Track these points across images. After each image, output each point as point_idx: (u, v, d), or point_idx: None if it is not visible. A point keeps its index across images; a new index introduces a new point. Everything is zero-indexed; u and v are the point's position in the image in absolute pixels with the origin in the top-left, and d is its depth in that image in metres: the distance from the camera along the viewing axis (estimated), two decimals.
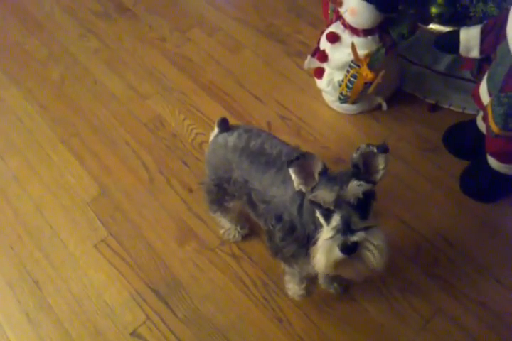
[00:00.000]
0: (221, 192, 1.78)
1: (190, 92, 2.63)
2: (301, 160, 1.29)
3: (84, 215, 2.25)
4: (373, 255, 1.19)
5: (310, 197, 1.29)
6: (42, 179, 2.41)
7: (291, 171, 1.31)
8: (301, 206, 1.45)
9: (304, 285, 1.78)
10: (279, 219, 1.54)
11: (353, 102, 2.33)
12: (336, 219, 1.21)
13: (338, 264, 1.22)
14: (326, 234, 1.23)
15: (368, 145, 1.24)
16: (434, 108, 2.36)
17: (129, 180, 2.33)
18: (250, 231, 2.06)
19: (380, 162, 1.26)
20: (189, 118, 2.52)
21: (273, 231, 1.57)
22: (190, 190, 2.25)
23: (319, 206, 1.26)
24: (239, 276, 1.98)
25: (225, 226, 2.04)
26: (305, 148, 2.36)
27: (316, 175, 1.29)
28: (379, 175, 1.28)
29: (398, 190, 2.11)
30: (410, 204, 2.07)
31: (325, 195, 1.23)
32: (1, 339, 1.97)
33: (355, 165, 1.27)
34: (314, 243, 1.28)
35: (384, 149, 1.25)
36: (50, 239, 2.20)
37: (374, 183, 1.28)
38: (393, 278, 1.88)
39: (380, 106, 2.39)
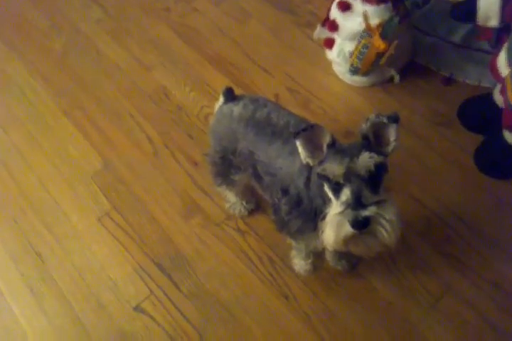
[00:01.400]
0: (226, 164, 1.70)
1: (195, 64, 2.52)
2: (308, 131, 1.21)
3: (88, 188, 2.17)
4: (386, 230, 1.12)
5: (318, 170, 1.21)
6: (45, 152, 2.32)
7: (298, 143, 1.24)
8: (308, 179, 1.37)
9: (310, 261, 1.72)
10: (285, 192, 1.46)
11: (364, 74, 2.22)
12: (345, 194, 1.15)
13: (348, 240, 1.15)
14: (336, 208, 1.16)
15: (378, 115, 1.16)
16: (449, 81, 2.23)
17: (133, 153, 2.24)
18: (256, 206, 1.98)
19: (391, 133, 1.19)
20: (194, 90, 2.41)
21: (279, 205, 1.50)
22: (196, 164, 2.15)
23: (328, 180, 1.19)
24: (244, 252, 1.91)
25: (231, 200, 1.96)
26: (313, 121, 2.25)
27: (325, 148, 1.22)
28: (390, 147, 1.21)
29: (410, 165, 2.01)
30: (422, 179, 1.98)
31: (334, 167, 1.16)
32: (4, 311, 1.92)
33: (365, 137, 1.20)
34: (323, 218, 1.21)
35: (395, 119, 1.17)
36: (53, 213, 2.13)
37: (385, 156, 1.20)
38: (403, 255, 1.79)
39: (391, 79, 2.27)
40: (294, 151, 1.33)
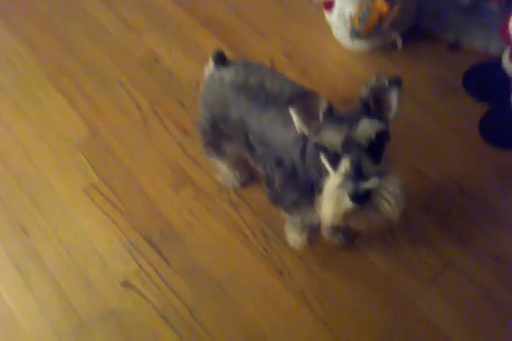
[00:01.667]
0: (216, 133, 1.60)
1: (187, 26, 2.37)
2: (303, 99, 1.12)
3: (74, 158, 2.06)
4: (389, 203, 1.03)
5: (315, 139, 1.13)
6: (30, 121, 2.20)
7: (292, 111, 1.14)
8: (303, 149, 1.29)
9: (305, 235, 1.65)
10: (279, 163, 1.37)
11: (365, 38, 2.08)
12: (345, 164, 1.06)
13: (348, 215, 1.06)
14: (334, 180, 1.07)
15: (378, 77, 1.06)
16: (454, 46, 2.09)
17: (121, 121, 2.12)
18: (250, 178, 1.87)
19: (393, 98, 1.09)
20: (186, 55, 2.26)
21: (272, 177, 1.42)
22: (186, 132, 2.04)
23: (325, 150, 1.10)
24: (237, 225, 1.82)
25: (223, 171, 1.86)
26: (311, 88, 2.15)
27: (321, 116, 1.13)
28: (392, 114, 1.12)
29: (411, 135, 1.89)
30: (424, 150, 1.87)
31: (332, 136, 1.07)
32: None
33: (365, 103, 1.10)
34: (320, 191, 1.12)
35: (397, 82, 1.07)
36: (38, 184, 2.03)
37: (387, 122, 1.11)
38: (402, 229, 1.70)
39: (394, 44, 2.12)
40: (289, 120, 1.22)
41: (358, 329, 1.57)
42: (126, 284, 1.76)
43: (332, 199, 1.05)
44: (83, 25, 2.47)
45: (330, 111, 1.12)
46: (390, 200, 1.03)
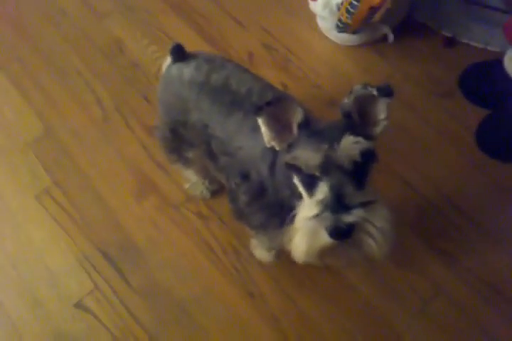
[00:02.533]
0: (177, 139, 1.37)
1: (157, 12, 2.08)
2: (274, 106, 0.91)
3: (25, 159, 1.80)
4: (375, 240, 0.85)
5: (287, 158, 0.91)
6: None
7: (260, 122, 0.93)
8: (274, 163, 1.09)
9: (273, 252, 1.47)
10: (244, 177, 1.16)
11: (354, 31, 1.85)
12: (323, 191, 0.86)
13: (325, 252, 0.87)
14: (309, 210, 0.87)
15: (365, 85, 0.88)
16: (451, 42, 1.87)
17: (80, 118, 1.86)
18: (221, 187, 1.64)
19: (381, 110, 0.91)
20: (154, 43, 1.99)
21: (236, 192, 1.21)
22: (152, 133, 1.76)
23: (299, 171, 0.90)
24: (206, 240, 1.59)
25: (191, 179, 1.64)
26: (292, 85, 1.91)
27: (295, 128, 0.92)
28: (379, 128, 0.93)
29: (401, 143, 1.68)
30: (415, 160, 1.65)
31: (308, 155, 0.87)
32: None
33: (347, 114, 0.91)
34: (291, 220, 0.91)
35: (387, 91, 0.88)
36: None
37: (373, 139, 0.91)
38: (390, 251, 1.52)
39: (385, 38, 1.89)
40: (258, 127, 1.00)
41: None
42: (80, 305, 1.54)
43: (306, 233, 0.86)
44: (39, 6, 2.16)
45: (306, 124, 0.92)
46: (376, 237, 0.84)
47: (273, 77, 1.85)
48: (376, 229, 0.84)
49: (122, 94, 1.89)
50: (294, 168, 0.91)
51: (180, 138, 1.37)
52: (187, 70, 1.24)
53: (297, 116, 0.93)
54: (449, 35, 1.87)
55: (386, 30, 1.87)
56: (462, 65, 1.79)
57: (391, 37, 1.87)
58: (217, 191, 1.65)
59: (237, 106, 1.17)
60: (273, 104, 0.91)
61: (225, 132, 1.19)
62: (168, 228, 1.63)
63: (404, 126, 1.72)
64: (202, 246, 1.59)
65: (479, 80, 1.72)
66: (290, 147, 0.93)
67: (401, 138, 1.68)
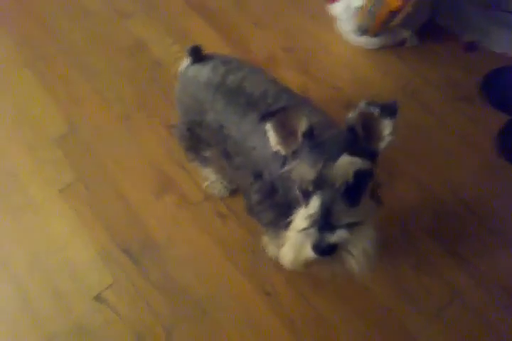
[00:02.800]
0: (194, 139, 1.38)
1: (179, 13, 2.08)
2: (280, 115, 0.92)
3: (51, 155, 1.81)
4: (356, 261, 0.87)
5: (283, 171, 0.95)
6: (3, 110, 1.93)
7: (267, 127, 0.95)
8: (284, 164, 1.07)
9: None
10: (257, 177, 1.17)
11: (374, 35, 1.82)
12: (314, 205, 0.89)
13: (310, 263, 0.90)
14: (301, 221, 0.90)
15: (369, 104, 0.88)
16: (472, 47, 1.84)
17: (103, 116, 1.86)
18: (239, 186, 1.62)
19: (386, 126, 0.89)
20: (177, 43, 1.98)
21: (249, 191, 1.22)
22: (178, 142, 1.73)
23: (294, 183, 0.93)
24: (223, 238, 1.58)
25: (210, 178, 1.63)
26: (312, 87, 1.89)
27: (300, 137, 0.95)
28: (383, 143, 0.92)
29: (420, 147, 1.65)
30: (433, 164, 1.62)
31: (303, 171, 0.89)
32: None
33: (351, 129, 0.91)
34: (287, 225, 0.95)
35: (391, 111, 0.88)
36: (10, 181, 1.77)
37: (374, 155, 0.93)
38: (405, 253, 1.48)
39: (405, 42, 1.87)
40: None
41: None
42: (99, 298, 1.54)
43: (293, 245, 0.90)
44: (64, 7, 2.18)
45: (310, 134, 0.93)
46: (357, 258, 0.87)
47: (292, 78, 1.83)
48: (358, 250, 0.87)
49: (145, 93, 1.88)
50: (290, 180, 0.94)
51: (197, 138, 1.37)
52: (204, 72, 1.24)
53: (302, 126, 0.93)
54: (469, 39, 1.84)
55: (407, 34, 1.83)
56: (482, 69, 1.76)
57: (412, 41, 1.84)
58: (235, 190, 1.64)
59: (252, 108, 1.17)
60: (279, 114, 0.93)
61: (239, 132, 1.19)
62: (187, 225, 1.62)
63: (423, 129, 1.69)
64: (220, 243, 1.58)
65: (500, 85, 1.68)
66: (294, 154, 0.95)
67: (419, 141, 1.66)
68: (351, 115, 0.90)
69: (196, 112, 1.27)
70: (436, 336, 1.36)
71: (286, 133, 0.95)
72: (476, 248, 1.47)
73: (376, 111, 0.86)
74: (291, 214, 0.99)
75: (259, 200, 1.18)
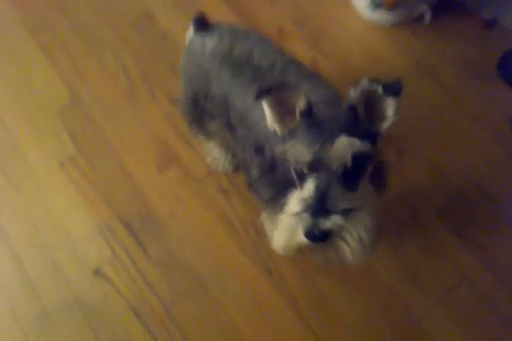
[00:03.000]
0: (198, 111, 1.30)
1: None
2: (277, 91, 0.86)
3: (52, 126, 1.73)
4: (351, 248, 0.80)
5: (278, 152, 0.86)
6: (5, 79, 1.85)
7: (264, 104, 0.87)
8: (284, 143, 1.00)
9: None
10: (258, 150, 1.09)
11: (389, 9, 1.72)
12: (309, 188, 0.81)
13: (302, 249, 0.85)
14: (295, 205, 0.83)
15: (372, 81, 0.81)
16: (491, 25, 1.72)
17: (106, 88, 1.78)
18: None
19: (389, 106, 0.84)
20: (184, 15, 1.88)
21: (249, 165, 1.15)
22: (182, 115, 1.59)
23: (290, 164, 0.86)
24: (226, 215, 1.52)
25: (214, 153, 1.55)
26: (322, 62, 1.79)
27: (298, 115, 0.88)
28: (385, 124, 0.85)
29: (433, 126, 1.56)
30: (447, 145, 1.54)
31: (299, 151, 0.82)
32: None
33: (352, 108, 0.82)
34: (282, 207, 0.89)
35: (395, 90, 0.80)
36: (10, 152, 1.71)
37: (375, 137, 0.85)
38: (413, 234, 1.41)
39: (420, 18, 1.76)
40: None
41: None
42: (98, 273, 1.48)
43: (285, 229, 0.83)
44: None
45: (308, 112, 0.85)
46: (352, 245, 0.80)
47: (302, 53, 1.74)
48: (353, 237, 0.80)
49: (150, 66, 1.79)
50: (285, 161, 0.86)
51: (201, 110, 1.29)
52: (210, 41, 1.16)
53: (300, 104, 0.86)
54: (488, 16, 1.73)
55: (423, 9, 1.73)
56: (500, 48, 1.65)
57: (428, 16, 1.73)
58: (239, 166, 1.56)
59: (258, 80, 1.09)
60: (276, 90, 0.85)
61: (244, 105, 1.12)
62: (190, 201, 1.55)
63: (436, 107, 1.60)
64: (222, 220, 1.51)
65: None
66: (291, 133, 0.87)
67: (433, 121, 1.57)
68: (353, 93, 0.82)
69: (201, 83, 1.19)
70: (441, 319, 1.30)
71: (283, 111, 0.88)
72: (486, 231, 1.40)
73: (379, 88, 0.79)
74: (290, 193, 0.92)
75: (259, 175, 1.11)
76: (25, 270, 1.51)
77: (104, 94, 1.76)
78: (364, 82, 0.80)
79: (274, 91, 0.85)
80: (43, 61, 1.86)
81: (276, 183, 1.06)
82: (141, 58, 1.81)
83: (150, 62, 1.80)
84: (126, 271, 1.47)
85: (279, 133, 0.90)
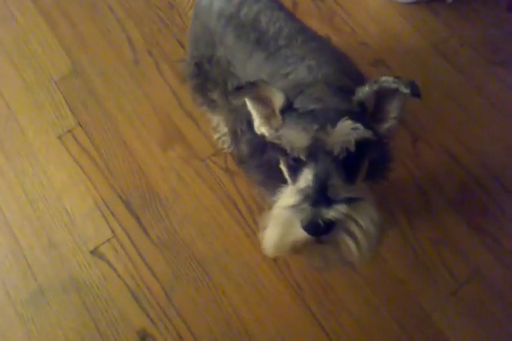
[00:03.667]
0: (202, 76, 1.17)
1: None
2: (247, 90, 0.75)
3: (50, 96, 1.57)
4: (356, 242, 0.69)
5: (272, 137, 0.77)
6: (3, 47, 1.66)
7: (249, 105, 0.79)
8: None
9: None
10: (250, 125, 0.95)
11: None
12: (306, 178, 0.71)
13: (297, 247, 0.72)
14: (289, 197, 0.72)
15: (397, 78, 0.70)
16: None
17: (109, 58, 1.60)
18: None
19: (395, 106, 0.74)
20: None
21: (239, 138, 1.03)
22: (185, 80, 1.46)
23: (284, 153, 0.72)
24: (230, 196, 1.38)
25: (221, 130, 1.40)
26: (337, 40, 1.60)
27: (278, 113, 0.78)
28: (386, 125, 0.76)
29: (449, 112, 1.42)
30: (463, 132, 1.39)
31: (295, 135, 0.71)
32: None
33: (361, 104, 0.74)
34: (270, 206, 0.76)
35: (416, 91, 0.68)
36: (6, 122, 1.55)
37: (374, 134, 0.75)
38: (425, 224, 1.28)
39: None
40: (276, 72, 0.91)
41: (360, 338, 1.20)
42: (96, 252, 1.35)
43: (279, 224, 0.69)
44: None
45: (289, 108, 0.76)
46: (358, 238, 0.67)
47: (317, 29, 1.54)
48: (359, 229, 0.67)
49: (155, 36, 1.62)
50: (279, 149, 0.73)
51: (205, 76, 1.17)
52: (217, 1, 1.03)
53: (277, 102, 0.74)
54: None
55: None
56: None
57: None
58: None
59: (261, 46, 0.97)
60: (245, 89, 0.73)
61: (244, 71, 1.01)
62: (193, 181, 1.41)
63: (455, 94, 1.45)
64: (226, 202, 1.38)
65: None
66: (277, 131, 0.75)
67: (450, 106, 1.42)
68: (367, 88, 0.71)
69: (206, 45, 1.08)
70: (451, 313, 1.19)
71: (268, 111, 0.77)
72: (501, 224, 1.27)
73: (403, 88, 0.68)
74: (281, 177, 0.80)
75: (249, 153, 0.98)
76: (20, 247, 1.38)
77: (106, 64, 1.59)
78: (387, 79, 0.69)
79: (245, 90, 0.73)
80: (43, 27, 1.68)
81: (265, 167, 0.93)
82: (146, 27, 1.63)
83: (156, 31, 1.62)
84: (126, 252, 1.34)
85: (267, 137, 0.78)
